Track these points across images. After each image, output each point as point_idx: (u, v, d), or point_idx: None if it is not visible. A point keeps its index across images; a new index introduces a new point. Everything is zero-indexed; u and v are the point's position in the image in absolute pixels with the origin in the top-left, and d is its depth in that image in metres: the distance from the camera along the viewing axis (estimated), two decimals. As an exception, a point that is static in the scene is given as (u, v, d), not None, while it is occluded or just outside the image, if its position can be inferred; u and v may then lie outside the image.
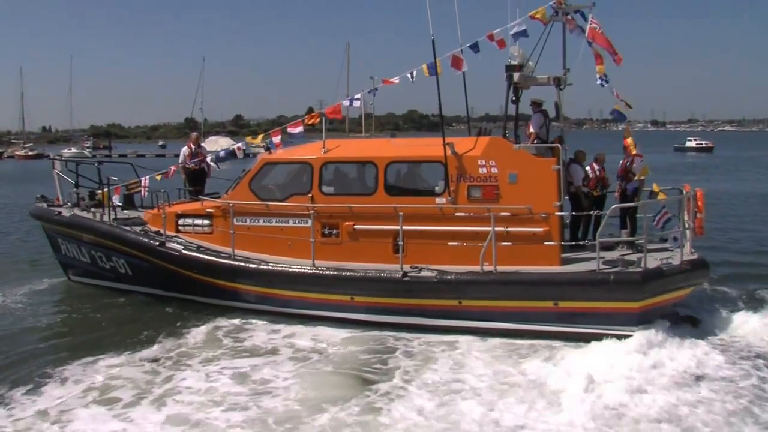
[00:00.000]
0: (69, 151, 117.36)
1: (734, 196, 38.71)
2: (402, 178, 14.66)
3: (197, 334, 13.76)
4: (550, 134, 15.26)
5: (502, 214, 13.37)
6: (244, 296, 14.60)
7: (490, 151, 13.89)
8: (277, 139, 15.77)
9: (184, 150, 18.02)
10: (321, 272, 13.88)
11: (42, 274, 18.68)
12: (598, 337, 12.55)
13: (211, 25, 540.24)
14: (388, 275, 13.46)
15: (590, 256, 13.41)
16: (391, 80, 15.13)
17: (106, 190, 16.93)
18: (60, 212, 16.82)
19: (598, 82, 14.05)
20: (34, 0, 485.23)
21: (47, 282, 17.86)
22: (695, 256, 13.50)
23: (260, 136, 16.27)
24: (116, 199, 17.41)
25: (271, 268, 14.18)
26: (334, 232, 14.29)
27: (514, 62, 14.56)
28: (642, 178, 14.75)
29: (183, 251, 14.81)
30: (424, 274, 13.36)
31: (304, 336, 13.64)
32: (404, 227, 13.54)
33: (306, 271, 13.93)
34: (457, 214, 13.82)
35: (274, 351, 12.92)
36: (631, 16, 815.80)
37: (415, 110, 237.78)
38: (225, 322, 14.37)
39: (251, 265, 14.32)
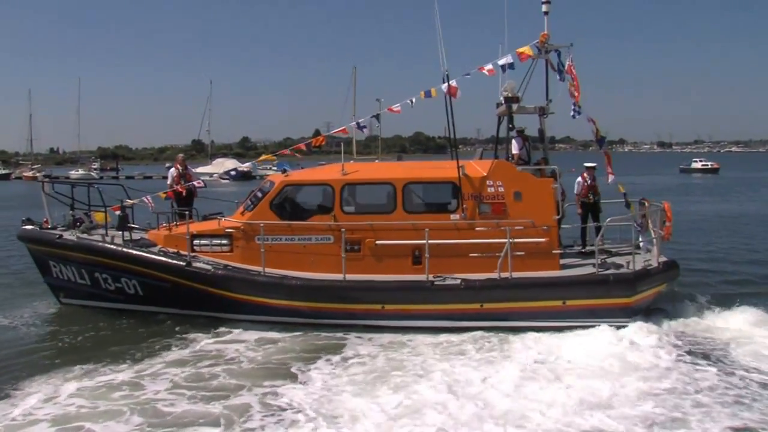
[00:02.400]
0: (76, 173, 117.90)
1: (737, 217, 38.69)
2: (418, 197, 15.97)
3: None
4: (531, 155, 17.30)
5: (515, 228, 15.07)
6: (274, 310, 15.24)
7: (497, 172, 15.62)
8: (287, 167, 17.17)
9: (172, 171, 18.28)
10: (367, 284, 15.03)
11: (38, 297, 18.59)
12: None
13: (219, 47, 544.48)
14: (417, 284, 14.82)
15: (579, 262, 15.98)
16: (394, 108, 16.48)
17: (112, 211, 17.08)
18: (61, 235, 16.51)
19: (571, 113, 16.34)
20: (43, 22, 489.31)
21: (41, 304, 17.85)
22: (666, 259, 16.01)
23: (269, 157, 17.60)
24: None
25: (318, 283, 15.05)
26: (356, 247, 15.26)
27: (510, 95, 16.56)
28: (623, 191, 17.00)
29: (215, 271, 15.24)
30: (449, 282, 14.76)
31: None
32: (423, 241, 14.81)
33: (355, 283, 15.01)
34: (476, 229, 15.39)
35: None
36: (641, 38, 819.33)
37: (421, 132, 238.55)
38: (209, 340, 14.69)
39: (295, 282, 15.17)
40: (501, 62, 16.00)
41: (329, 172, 16.23)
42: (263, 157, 18.11)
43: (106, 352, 13.91)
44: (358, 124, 16.82)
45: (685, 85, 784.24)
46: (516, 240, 14.93)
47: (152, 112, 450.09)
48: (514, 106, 16.75)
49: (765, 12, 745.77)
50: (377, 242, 15.22)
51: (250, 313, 15.41)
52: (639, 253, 16.09)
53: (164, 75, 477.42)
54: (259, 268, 15.19)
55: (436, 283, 14.81)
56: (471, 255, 15.21)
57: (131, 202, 17.41)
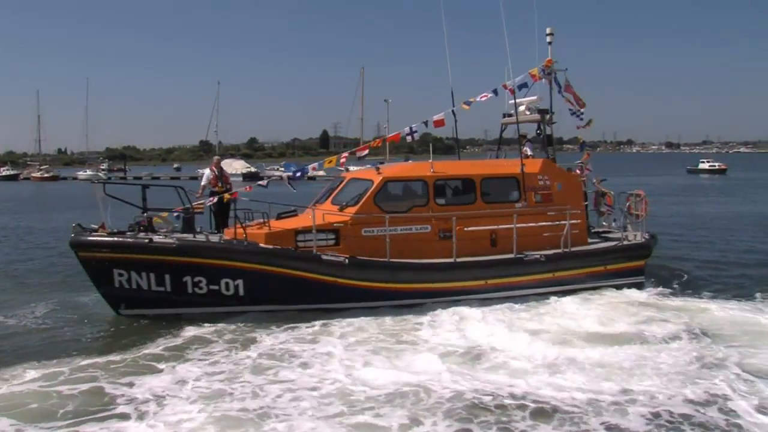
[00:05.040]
0: (84, 173, 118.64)
1: (740, 217, 38.89)
2: (491, 189, 18.23)
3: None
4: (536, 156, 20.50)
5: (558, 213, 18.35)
6: (398, 294, 16.58)
7: (545, 168, 18.91)
8: (342, 160, 18.53)
9: (208, 174, 18.21)
10: (474, 263, 17.16)
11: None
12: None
13: (227, 48, 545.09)
14: (512, 260, 17.41)
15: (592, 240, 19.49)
16: (436, 118, 18.44)
17: (179, 212, 16.97)
18: (151, 239, 15.75)
19: (577, 124, 19.95)
20: (51, 23, 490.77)
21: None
22: (650, 234, 19.69)
23: (333, 159, 18.52)
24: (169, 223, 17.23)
25: (437, 266, 16.92)
26: (448, 234, 17.05)
27: (540, 107, 20.02)
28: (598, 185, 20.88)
29: (348, 261, 16.09)
30: (534, 257, 17.46)
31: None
32: (497, 226, 17.63)
33: (465, 263, 17.05)
34: (528, 213, 18.16)
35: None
36: (651, 38, 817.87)
37: (429, 133, 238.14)
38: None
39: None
40: (518, 82, 18.82)
41: (421, 168, 18.00)
42: (329, 159, 18.73)
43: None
44: (411, 128, 18.24)
45: (693, 86, 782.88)
46: (559, 222, 18.13)
47: (160, 113, 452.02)
48: (548, 117, 19.99)
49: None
50: (465, 229, 17.14)
51: (373, 299, 16.41)
52: (628, 232, 19.58)
53: (172, 75, 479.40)
54: (381, 259, 16.49)
55: (526, 258, 17.39)
56: (548, 232, 18.20)
57: (197, 204, 17.24)
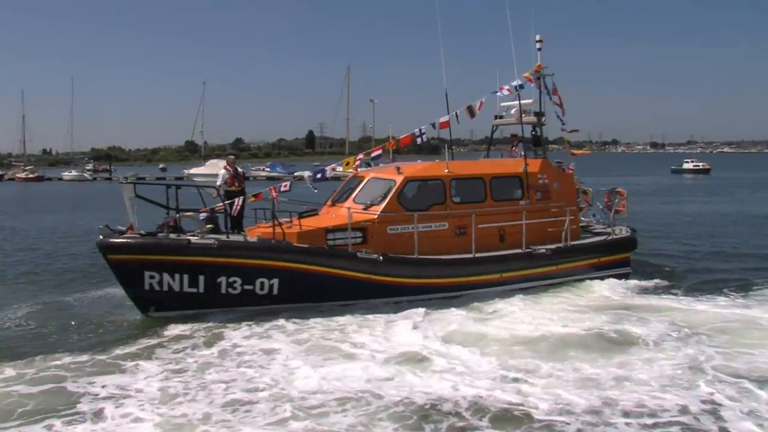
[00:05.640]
0: (69, 174, 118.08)
1: (724, 216, 39.32)
2: (499, 188, 19.15)
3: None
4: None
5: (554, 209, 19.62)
6: (425, 289, 17.37)
7: (544, 168, 20.01)
8: (358, 162, 18.56)
9: (224, 173, 18.40)
10: (491, 258, 18.11)
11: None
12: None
13: (212, 48, 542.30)
14: (523, 254, 18.49)
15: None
16: (442, 120, 18.89)
17: (204, 212, 17.02)
18: (189, 240, 15.76)
19: (561, 127, 21.15)
20: (36, 22, 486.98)
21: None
22: (631, 229, 21.08)
23: (351, 160, 18.63)
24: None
25: (461, 261, 17.80)
26: (463, 230, 18.02)
27: (537, 111, 21.11)
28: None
29: (381, 258, 16.66)
30: (541, 251, 18.55)
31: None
32: (505, 223, 18.69)
33: (484, 258, 17.98)
34: (531, 210, 19.17)
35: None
36: (635, 38, 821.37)
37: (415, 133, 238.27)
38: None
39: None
40: (515, 84, 19.81)
41: (437, 168, 18.74)
42: (346, 160, 18.87)
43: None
44: (420, 129, 18.75)
45: (678, 86, 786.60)
46: (558, 218, 19.39)
47: (145, 113, 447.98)
48: (543, 119, 21.32)
49: (760, 13, 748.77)
50: (479, 226, 17.99)
51: (404, 294, 17.15)
52: (610, 227, 20.96)
53: (157, 76, 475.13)
54: (410, 256, 17.21)
55: (536, 252, 18.48)
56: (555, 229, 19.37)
57: (220, 205, 17.26)
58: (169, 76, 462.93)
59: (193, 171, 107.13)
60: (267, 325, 15.19)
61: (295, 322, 15.33)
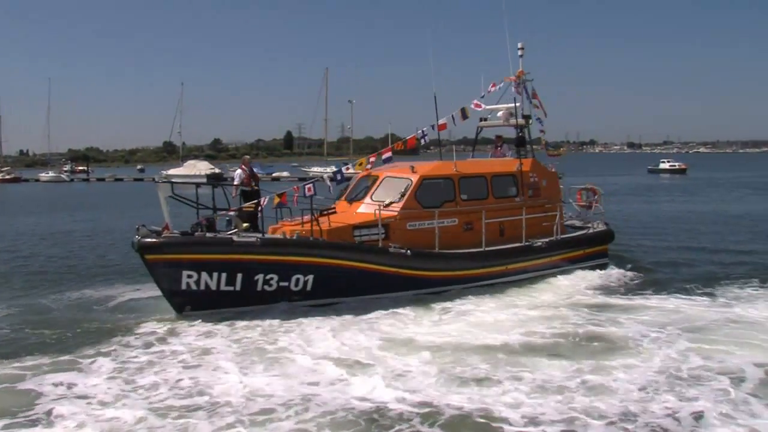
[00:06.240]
0: (47, 175, 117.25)
1: (700, 215, 39.77)
2: (498, 186, 20.36)
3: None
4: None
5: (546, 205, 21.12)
6: (447, 281, 18.35)
7: (534, 167, 21.36)
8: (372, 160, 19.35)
9: (240, 173, 18.54)
10: (499, 252, 19.23)
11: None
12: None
13: (190, 49, 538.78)
14: (525, 248, 19.72)
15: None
16: (440, 121, 19.86)
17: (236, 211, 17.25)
18: (232, 238, 16.00)
19: (540, 130, 22.73)
20: (11, 22, 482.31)
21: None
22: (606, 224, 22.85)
23: (363, 160, 19.46)
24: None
25: (474, 254, 18.89)
26: (470, 226, 19.23)
27: (524, 113, 22.14)
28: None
29: (409, 253, 17.53)
30: (538, 245, 19.93)
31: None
32: (504, 218, 19.88)
33: (492, 251, 19.09)
34: (525, 206, 20.39)
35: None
36: (612, 39, 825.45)
37: (393, 134, 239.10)
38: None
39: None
40: (503, 88, 21.70)
41: (447, 167, 19.73)
42: (359, 161, 19.71)
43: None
44: (422, 131, 19.68)
45: (655, 87, 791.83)
46: (547, 213, 20.86)
47: (123, 114, 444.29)
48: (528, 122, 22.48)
49: (739, 14, 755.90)
50: (485, 221, 19.01)
51: (429, 286, 18.09)
52: (588, 222, 22.89)
53: (135, 76, 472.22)
54: (432, 250, 18.22)
55: (534, 245, 19.81)
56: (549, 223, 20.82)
57: (247, 205, 17.43)
58: (148, 77, 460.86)
59: (172, 172, 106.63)
60: (209, 326, 15.15)
61: (247, 325, 15.20)
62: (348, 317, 15.71)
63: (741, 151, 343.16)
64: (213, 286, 15.92)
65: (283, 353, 13.30)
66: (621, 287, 19.16)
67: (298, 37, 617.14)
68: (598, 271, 20.71)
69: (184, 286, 15.77)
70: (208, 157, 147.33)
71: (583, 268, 20.73)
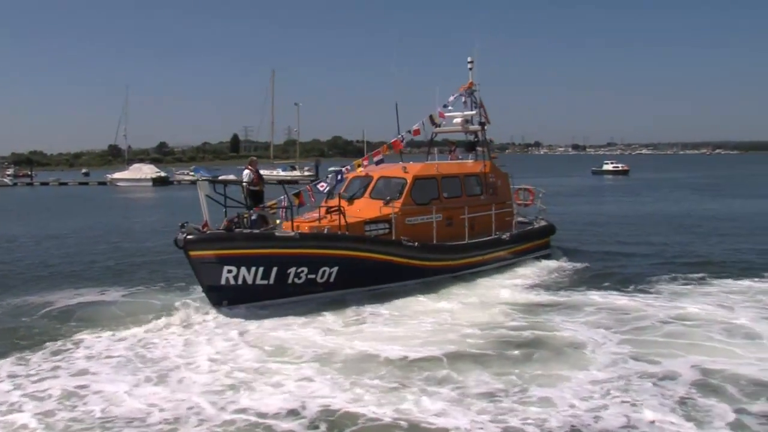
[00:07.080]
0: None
1: (642, 216, 40.86)
2: (468, 185, 22.43)
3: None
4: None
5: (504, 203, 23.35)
6: (443, 270, 20.15)
7: (492, 168, 23.54)
8: (366, 162, 22.12)
9: (248, 173, 18.78)
10: (478, 243, 21.26)
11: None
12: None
13: (135, 51, 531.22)
14: (497, 240, 21.87)
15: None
16: (414, 127, 22.87)
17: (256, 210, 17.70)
18: (274, 234, 16.81)
19: (476, 125, 24.46)
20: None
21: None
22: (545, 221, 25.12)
23: (359, 162, 22.26)
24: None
25: (464, 246, 20.90)
26: (451, 222, 21.07)
27: (483, 120, 24.35)
28: None
29: (417, 245, 19.26)
30: (504, 238, 22.06)
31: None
32: (475, 214, 21.61)
33: (474, 243, 21.21)
34: (489, 203, 22.55)
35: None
36: (554, 39, 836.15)
37: (339, 137, 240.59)
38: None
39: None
40: (454, 99, 24.02)
41: (431, 168, 21.75)
42: (357, 162, 22.35)
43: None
44: (409, 131, 22.75)
45: (599, 88, 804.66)
46: (504, 210, 23.05)
47: (67, 116, 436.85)
48: (474, 127, 24.58)
49: (680, 15, 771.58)
50: (461, 216, 21.10)
51: (432, 275, 19.80)
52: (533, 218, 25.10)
53: (79, 79, 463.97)
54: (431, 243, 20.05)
55: (502, 238, 21.98)
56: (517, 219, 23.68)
57: (272, 202, 19.10)
58: (91, 79, 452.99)
59: (117, 176, 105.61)
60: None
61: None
62: (242, 323, 15.53)
63: (681, 152, 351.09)
64: (249, 280, 16.45)
65: (171, 363, 12.92)
66: (563, 281, 20.38)
67: (246, 40, 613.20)
68: (544, 261, 22.91)
69: (223, 281, 16.23)
70: (154, 161, 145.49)
71: (537, 258, 23.13)
